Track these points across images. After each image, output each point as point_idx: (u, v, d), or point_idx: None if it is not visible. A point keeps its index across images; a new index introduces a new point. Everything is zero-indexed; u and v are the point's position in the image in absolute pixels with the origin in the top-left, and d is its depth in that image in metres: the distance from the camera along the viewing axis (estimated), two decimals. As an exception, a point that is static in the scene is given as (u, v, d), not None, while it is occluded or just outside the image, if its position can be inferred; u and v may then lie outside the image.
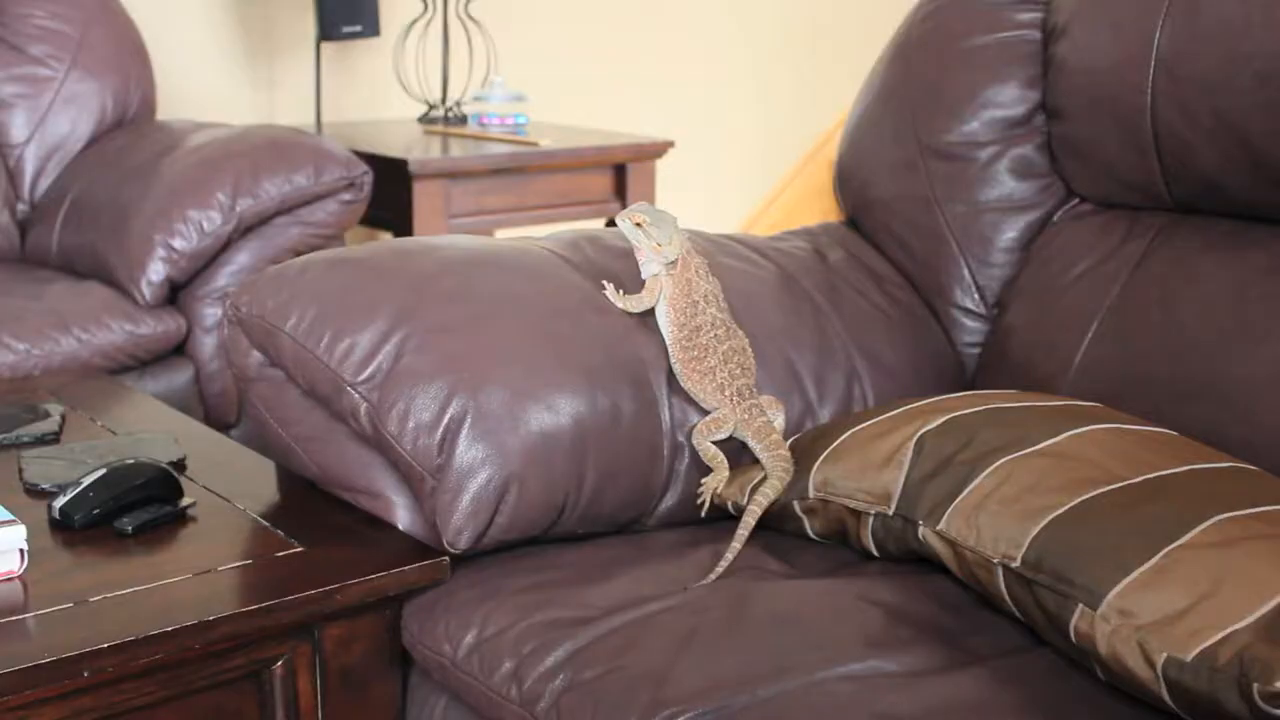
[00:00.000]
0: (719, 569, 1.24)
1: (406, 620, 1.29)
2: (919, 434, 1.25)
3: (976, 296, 1.65)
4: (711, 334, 1.33)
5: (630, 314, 1.37)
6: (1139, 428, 1.24)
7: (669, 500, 1.37)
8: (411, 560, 1.27)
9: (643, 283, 1.36)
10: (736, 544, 1.26)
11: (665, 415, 1.36)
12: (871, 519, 1.25)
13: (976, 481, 1.16)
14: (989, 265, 1.65)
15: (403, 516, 1.34)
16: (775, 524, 1.33)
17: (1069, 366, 1.49)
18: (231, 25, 3.12)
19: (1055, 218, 1.64)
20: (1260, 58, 1.38)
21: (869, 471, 1.25)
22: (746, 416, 1.33)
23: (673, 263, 1.33)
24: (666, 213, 1.35)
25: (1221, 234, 1.47)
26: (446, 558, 1.27)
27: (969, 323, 1.65)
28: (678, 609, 1.18)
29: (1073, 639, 1.04)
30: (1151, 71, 1.48)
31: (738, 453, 1.37)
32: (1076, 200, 1.64)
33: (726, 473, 1.34)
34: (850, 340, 1.54)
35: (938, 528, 1.16)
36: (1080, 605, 1.03)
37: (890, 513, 1.23)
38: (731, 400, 1.33)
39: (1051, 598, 1.06)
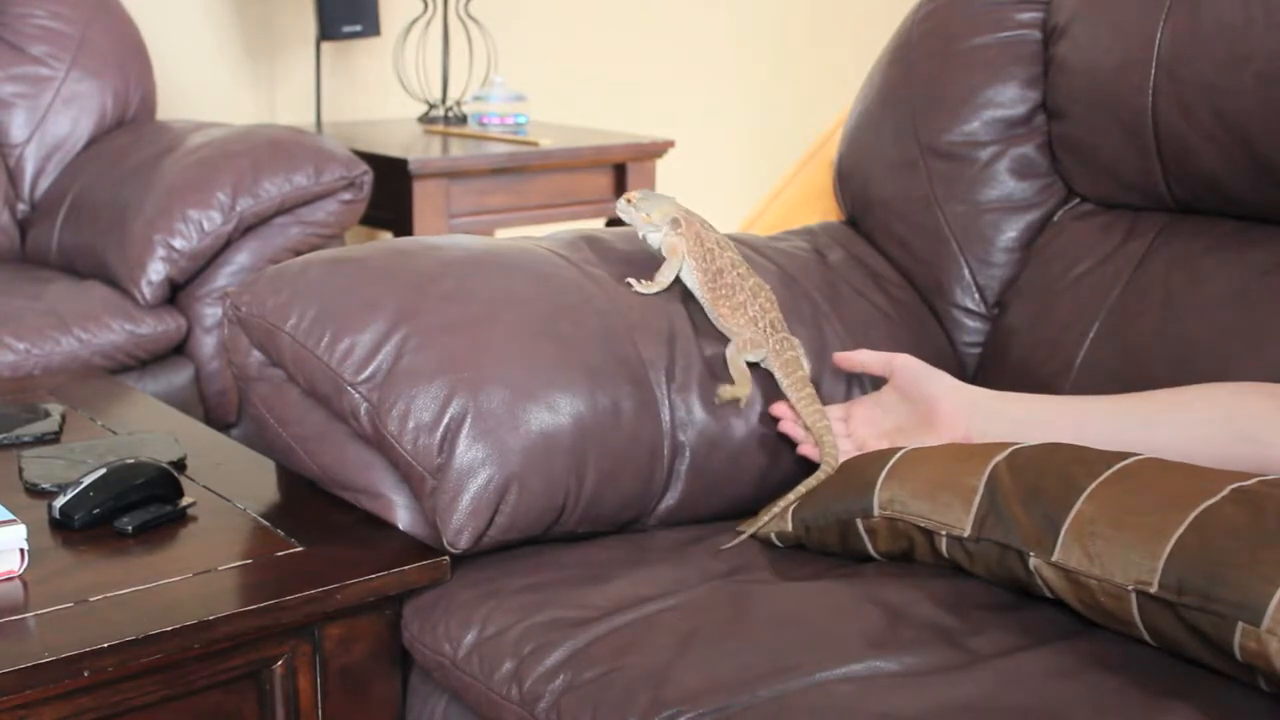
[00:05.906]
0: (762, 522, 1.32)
1: (407, 620, 1.29)
2: (993, 462, 1.21)
3: (977, 296, 1.65)
4: (734, 273, 1.40)
5: (653, 294, 1.42)
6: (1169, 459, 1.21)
7: (669, 500, 1.37)
8: (411, 560, 1.26)
9: (659, 260, 1.43)
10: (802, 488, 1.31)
11: (665, 415, 1.36)
12: (945, 540, 1.22)
13: (1075, 509, 1.13)
14: (989, 265, 1.65)
15: (403, 516, 1.34)
16: (837, 544, 1.29)
17: (1070, 367, 1.49)
18: (231, 25, 3.12)
19: (1056, 217, 1.64)
20: (1261, 58, 1.38)
21: (940, 492, 1.22)
22: (778, 348, 1.39)
23: (674, 222, 1.41)
24: (664, 195, 1.44)
25: (1223, 234, 1.47)
26: (446, 558, 1.27)
27: (969, 323, 1.65)
28: (678, 609, 1.18)
29: (1238, 657, 1.02)
30: (1153, 72, 1.48)
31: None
32: (1077, 200, 1.63)
33: (749, 390, 1.38)
34: (850, 340, 1.53)
35: (1053, 559, 1.13)
36: (1241, 624, 1.01)
37: (966, 534, 1.19)
38: (765, 331, 1.39)
39: (1205, 619, 1.03)
